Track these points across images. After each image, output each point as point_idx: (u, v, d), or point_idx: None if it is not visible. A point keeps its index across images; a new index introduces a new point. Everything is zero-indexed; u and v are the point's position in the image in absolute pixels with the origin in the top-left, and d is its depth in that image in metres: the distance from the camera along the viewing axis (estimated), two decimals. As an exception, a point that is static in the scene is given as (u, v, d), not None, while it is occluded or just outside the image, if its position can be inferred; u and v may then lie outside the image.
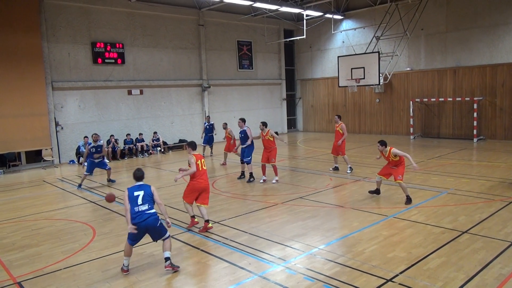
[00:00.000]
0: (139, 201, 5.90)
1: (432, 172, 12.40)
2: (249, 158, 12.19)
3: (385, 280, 5.41)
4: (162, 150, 19.99)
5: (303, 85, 27.78)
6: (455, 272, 5.56)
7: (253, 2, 19.66)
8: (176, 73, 21.55)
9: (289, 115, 28.11)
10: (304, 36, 23.40)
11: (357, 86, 20.73)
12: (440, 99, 20.42)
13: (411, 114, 21.26)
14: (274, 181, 11.85)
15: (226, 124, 16.25)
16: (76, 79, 18.07)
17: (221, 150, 19.38)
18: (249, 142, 12.24)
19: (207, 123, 18.02)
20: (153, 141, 19.80)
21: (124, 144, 18.82)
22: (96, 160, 12.78)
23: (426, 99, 20.96)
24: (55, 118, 17.51)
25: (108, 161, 17.69)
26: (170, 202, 10.10)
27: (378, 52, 19.87)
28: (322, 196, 10.17)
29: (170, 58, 21.24)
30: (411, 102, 21.28)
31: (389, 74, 21.63)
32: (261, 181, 12.02)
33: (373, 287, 5.26)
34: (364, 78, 20.00)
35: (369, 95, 23.84)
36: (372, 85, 20.67)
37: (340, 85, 21.56)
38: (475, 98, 19.03)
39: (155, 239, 6.07)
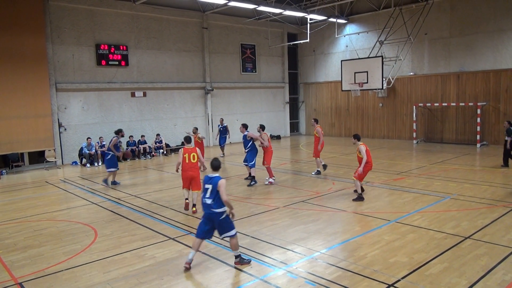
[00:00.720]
0: (207, 194, 6.11)
1: (435, 177, 12.35)
2: (252, 163, 12.23)
3: (387, 285, 5.39)
4: (165, 152, 20.02)
5: (306, 88, 27.79)
6: (458, 278, 5.53)
7: (257, 6, 19.71)
8: (179, 75, 21.61)
9: (292, 118, 28.12)
10: (308, 40, 23.43)
11: (360, 90, 20.75)
12: (443, 104, 20.39)
13: (414, 119, 21.23)
14: (266, 182, 12.17)
15: (196, 128, 16.31)
16: (80, 81, 18.14)
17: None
18: (257, 144, 12.32)
19: (220, 125, 18.91)
20: (156, 143, 19.83)
21: (127, 146, 18.85)
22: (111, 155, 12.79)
23: (429, 104, 20.92)
24: (58, 119, 17.57)
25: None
26: (172, 205, 10.10)
27: (382, 56, 19.89)
28: (324, 200, 10.15)
29: (173, 61, 21.30)
30: (414, 106, 21.25)
31: (393, 79, 21.62)
32: (266, 182, 12.21)
33: (374, 292, 5.24)
34: (367, 83, 20.01)
35: (372, 99, 23.82)
36: (375, 89, 20.66)
37: (343, 89, 21.57)
38: (478, 104, 18.99)
39: (220, 233, 6.16)
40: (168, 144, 20.65)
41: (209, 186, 6.08)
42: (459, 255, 6.30)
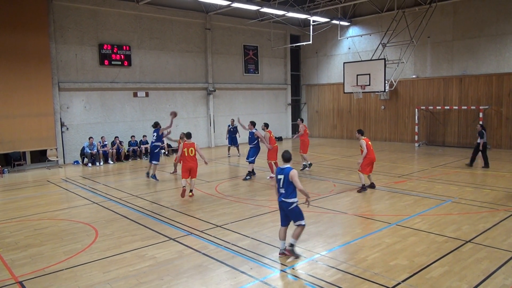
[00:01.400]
0: (280, 184, 6.44)
1: (436, 181, 12.33)
2: (252, 158, 13.32)
3: (387, 288, 5.38)
4: (166, 152, 20.04)
5: (309, 90, 27.79)
6: (458, 282, 5.52)
7: (260, 7, 19.74)
8: (181, 76, 21.64)
9: (293, 120, 28.04)
10: (310, 42, 23.44)
11: (362, 92, 20.72)
12: (445, 107, 20.35)
13: (416, 122, 21.18)
14: (268, 177, 13.26)
15: (184, 134, 16.06)
16: (83, 80, 18.19)
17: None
18: (264, 142, 13.20)
19: (231, 126, 19.28)
20: (157, 144, 19.83)
21: (129, 146, 18.88)
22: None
23: (431, 107, 20.89)
24: (60, 119, 17.61)
25: (112, 162, 17.83)
26: (173, 205, 10.11)
27: (384, 59, 19.88)
28: (325, 202, 10.14)
29: (176, 61, 21.33)
30: (416, 109, 21.21)
31: (395, 81, 21.59)
32: (268, 177, 13.31)
33: (374, 295, 5.23)
34: (369, 85, 19.99)
35: (374, 101, 23.80)
36: (378, 92, 20.64)
37: (345, 91, 21.56)
38: (480, 107, 18.95)
39: (292, 220, 6.48)
40: (169, 145, 20.66)
41: (281, 177, 6.42)
42: (460, 259, 6.29)
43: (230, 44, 23.72)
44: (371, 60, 20.75)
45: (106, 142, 17.92)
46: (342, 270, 5.99)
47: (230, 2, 18.27)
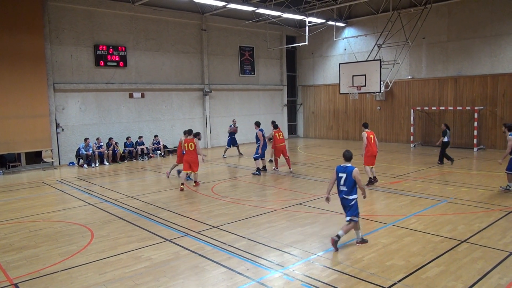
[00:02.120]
0: (341, 182, 6.89)
1: (432, 181, 12.38)
2: (256, 155, 14.40)
3: (383, 288, 5.40)
4: (162, 153, 19.99)
5: (304, 91, 27.83)
6: (454, 281, 5.54)
7: (256, 8, 19.75)
8: (177, 77, 21.61)
9: (290, 121, 28.14)
10: (306, 43, 23.47)
11: (358, 93, 20.78)
12: (441, 108, 20.44)
13: (412, 122, 21.27)
14: (273, 168, 14.89)
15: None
16: (78, 81, 18.12)
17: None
18: (261, 142, 14.48)
19: (232, 126, 19.61)
20: (153, 145, 19.81)
21: (124, 147, 18.82)
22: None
23: (427, 108, 20.98)
24: (56, 120, 17.53)
25: (108, 163, 17.77)
26: (169, 206, 10.09)
27: (380, 60, 19.94)
28: (322, 202, 10.12)
29: (172, 62, 21.30)
30: (412, 110, 21.30)
31: (390, 82, 21.67)
32: (273, 168, 14.84)
33: (371, 295, 5.24)
34: (365, 86, 20.04)
35: (370, 102, 23.87)
36: (373, 92, 20.70)
37: (341, 92, 21.61)
38: (475, 108, 19.06)
39: (346, 214, 6.92)
40: (165, 146, 20.62)
41: (343, 175, 6.86)
42: (456, 259, 6.32)
43: (226, 45, 23.72)
44: (366, 61, 20.82)
45: (102, 144, 17.86)
46: (338, 271, 6.00)
47: (226, 3, 18.28)
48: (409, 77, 21.90)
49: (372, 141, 11.75)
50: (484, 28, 19.01)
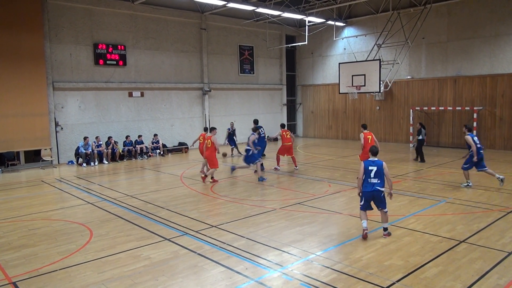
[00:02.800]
0: (372, 174, 7.28)
1: (431, 181, 12.39)
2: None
3: (382, 288, 5.40)
4: (162, 152, 19.98)
5: (304, 91, 27.83)
6: (452, 282, 5.55)
7: (255, 7, 19.74)
8: (177, 76, 21.59)
9: (289, 120, 28.14)
10: (306, 42, 23.46)
11: (357, 93, 20.78)
12: (440, 108, 20.46)
13: (411, 122, 21.28)
14: (273, 168, 15.05)
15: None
16: (77, 80, 18.10)
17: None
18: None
19: (231, 129, 19.73)
20: (152, 144, 19.79)
21: (124, 146, 18.80)
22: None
23: (426, 108, 20.99)
24: (55, 119, 17.51)
25: (107, 162, 17.76)
26: (169, 205, 10.08)
27: (379, 59, 19.94)
28: (320, 202, 10.16)
29: (171, 61, 21.28)
30: (411, 110, 21.31)
31: (390, 82, 21.68)
32: (273, 168, 14.98)
33: (369, 294, 5.24)
34: (364, 85, 20.05)
35: (369, 102, 23.88)
36: (373, 92, 20.71)
37: (340, 91, 21.61)
38: (475, 108, 19.07)
39: (378, 207, 7.42)
40: (165, 145, 20.61)
41: (373, 168, 7.29)
42: (454, 259, 6.32)
43: (225, 44, 23.71)
44: (366, 60, 20.82)
45: (101, 142, 17.84)
46: (337, 270, 6.00)
47: (226, 2, 18.27)
48: (409, 77, 21.90)
49: (370, 141, 11.99)
50: (484, 28, 19.02)
